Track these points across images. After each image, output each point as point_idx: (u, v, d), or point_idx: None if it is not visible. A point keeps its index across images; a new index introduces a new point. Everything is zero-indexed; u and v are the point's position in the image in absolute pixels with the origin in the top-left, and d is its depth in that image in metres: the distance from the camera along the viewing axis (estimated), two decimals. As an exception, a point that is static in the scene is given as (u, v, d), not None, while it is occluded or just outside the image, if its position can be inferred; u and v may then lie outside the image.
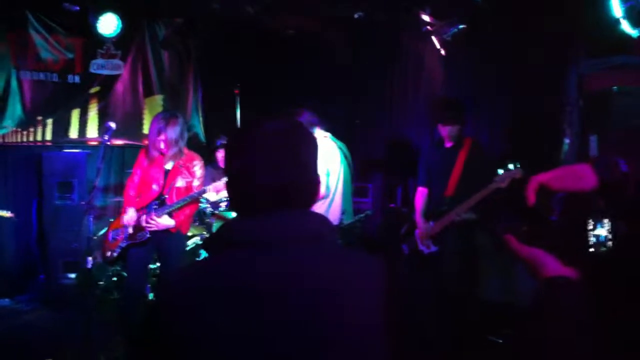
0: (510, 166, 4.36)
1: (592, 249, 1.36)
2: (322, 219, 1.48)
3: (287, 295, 1.31)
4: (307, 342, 1.29)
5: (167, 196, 4.56)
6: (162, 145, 4.49)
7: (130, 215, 4.58)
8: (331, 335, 1.31)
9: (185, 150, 4.66)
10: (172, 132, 4.47)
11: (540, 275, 1.31)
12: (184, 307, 1.31)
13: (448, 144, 4.89)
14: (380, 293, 1.37)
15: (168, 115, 4.54)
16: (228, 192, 1.50)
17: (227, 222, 1.47)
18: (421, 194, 5.08)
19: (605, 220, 1.38)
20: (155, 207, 4.54)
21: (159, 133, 4.45)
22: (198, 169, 4.67)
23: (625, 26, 4.30)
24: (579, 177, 1.44)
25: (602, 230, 1.37)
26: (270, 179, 1.39)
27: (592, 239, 1.37)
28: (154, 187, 4.59)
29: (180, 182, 4.59)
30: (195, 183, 4.64)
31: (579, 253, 1.35)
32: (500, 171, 4.38)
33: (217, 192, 4.62)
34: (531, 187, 1.46)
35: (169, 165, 4.62)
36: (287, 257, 1.35)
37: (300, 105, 4.66)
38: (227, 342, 1.28)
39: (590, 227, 1.39)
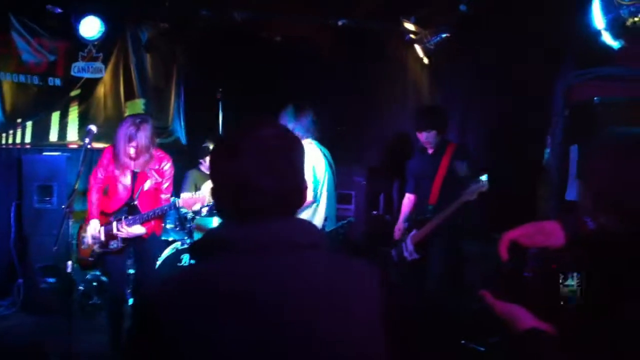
0: (482, 177, 4.42)
1: (562, 301, 1.41)
2: (313, 226, 1.49)
3: (282, 302, 1.30)
4: (303, 349, 1.29)
5: (137, 201, 4.49)
6: (132, 152, 4.34)
7: (94, 228, 4.49)
8: (327, 343, 1.30)
9: (154, 152, 4.54)
10: (144, 137, 4.32)
11: (514, 329, 1.33)
12: (173, 318, 1.29)
13: (430, 151, 4.95)
14: (377, 300, 1.37)
15: (138, 121, 4.36)
16: (216, 196, 1.48)
17: (218, 228, 1.46)
18: (407, 200, 5.15)
19: (575, 274, 1.44)
20: (125, 215, 4.46)
21: (129, 140, 4.29)
22: (167, 168, 4.58)
23: (607, 38, 4.35)
24: (548, 234, 1.48)
25: (572, 282, 1.44)
26: (268, 183, 1.38)
27: (564, 291, 1.42)
28: (121, 189, 4.50)
29: (148, 185, 4.51)
30: (165, 185, 4.57)
31: (551, 305, 1.40)
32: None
33: (187, 206, 4.54)
34: (503, 244, 1.48)
35: (137, 168, 4.51)
36: (282, 263, 1.35)
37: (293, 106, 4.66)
38: (219, 350, 1.27)
39: (561, 279, 1.44)
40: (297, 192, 1.46)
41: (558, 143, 4.43)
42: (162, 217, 4.71)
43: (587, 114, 3.93)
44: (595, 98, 3.92)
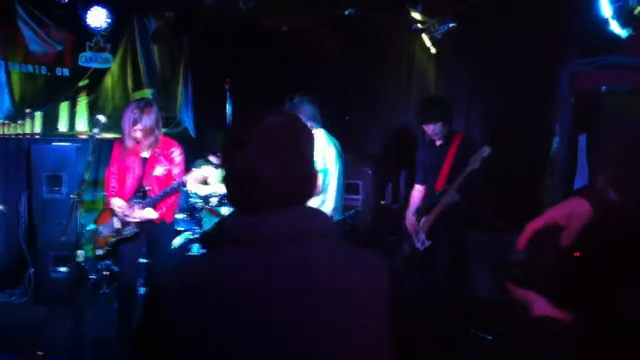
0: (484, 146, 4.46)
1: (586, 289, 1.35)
2: (323, 215, 1.49)
3: (293, 292, 1.31)
4: (312, 340, 1.30)
5: (148, 187, 4.55)
6: (138, 135, 4.43)
7: (118, 203, 4.57)
8: (336, 333, 1.31)
9: (162, 137, 4.61)
10: (148, 120, 4.41)
11: (529, 315, 1.31)
12: (185, 305, 1.30)
13: (438, 142, 4.94)
14: (384, 291, 1.37)
15: (142, 104, 4.46)
16: (227, 188, 1.47)
17: (228, 218, 1.47)
18: (417, 191, 5.14)
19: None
20: (137, 200, 4.53)
21: (134, 123, 4.39)
22: (177, 155, 4.64)
23: (615, 26, 4.34)
24: (574, 213, 1.35)
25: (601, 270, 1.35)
26: (275, 173, 1.38)
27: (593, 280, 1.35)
28: (130, 177, 4.57)
29: (159, 171, 4.56)
30: (175, 171, 4.62)
31: (570, 295, 1.35)
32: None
33: (196, 182, 4.59)
34: (525, 235, 1.38)
35: (145, 154, 4.58)
36: (293, 253, 1.35)
37: (301, 95, 4.68)
38: (230, 339, 1.28)
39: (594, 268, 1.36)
40: (306, 182, 1.45)
41: (565, 132, 4.43)
42: (174, 202, 4.74)
43: (595, 104, 3.92)
44: (602, 87, 3.91)
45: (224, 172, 1.48)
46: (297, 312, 1.30)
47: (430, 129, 4.87)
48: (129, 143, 4.51)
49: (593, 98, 3.94)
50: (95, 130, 4.46)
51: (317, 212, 1.49)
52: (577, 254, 1.33)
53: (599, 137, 3.67)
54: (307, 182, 1.46)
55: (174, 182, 4.54)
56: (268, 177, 1.37)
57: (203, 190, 5.75)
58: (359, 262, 1.43)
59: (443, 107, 4.94)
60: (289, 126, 1.44)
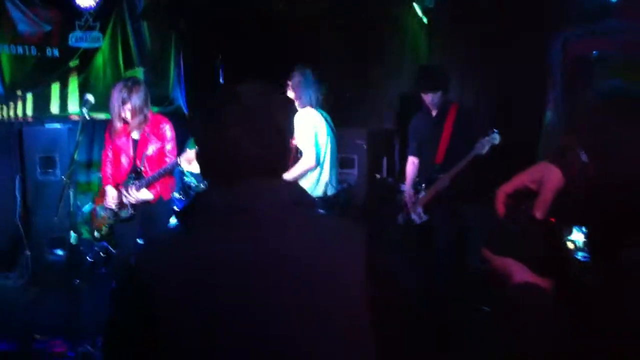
0: (493, 131, 4.40)
1: (565, 256, 1.32)
2: (298, 187, 1.50)
3: (267, 262, 1.31)
4: (292, 306, 1.30)
5: (142, 167, 4.52)
6: (127, 115, 4.38)
7: (111, 195, 4.56)
8: (317, 299, 1.31)
9: (151, 115, 4.55)
10: (137, 99, 4.35)
11: (508, 283, 1.30)
12: (158, 277, 1.30)
13: (433, 112, 4.89)
14: (362, 258, 1.38)
15: (130, 83, 4.39)
16: (201, 161, 1.48)
17: (202, 192, 1.47)
18: (412, 164, 5.10)
19: (579, 227, 1.33)
20: (132, 182, 4.50)
21: (123, 102, 4.33)
22: (167, 130, 4.58)
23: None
24: (545, 178, 1.31)
25: (579, 235, 1.33)
26: (247, 144, 1.38)
27: (570, 245, 1.33)
28: (123, 159, 4.55)
29: (151, 150, 4.53)
30: (168, 147, 4.58)
31: (550, 261, 1.33)
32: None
33: (189, 163, 4.56)
34: (499, 200, 1.36)
35: (136, 135, 4.55)
36: (270, 224, 1.35)
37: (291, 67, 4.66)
38: (208, 310, 1.28)
39: (564, 233, 1.33)
40: (279, 153, 1.47)
41: (558, 100, 4.41)
42: (169, 180, 4.72)
43: (585, 69, 3.89)
44: (593, 52, 3.88)
45: (198, 146, 1.48)
46: (276, 280, 1.30)
47: (429, 98, 4.81)
48: (118, 124, 4.45)
49: (584, 63, 3.91)
50: (84, 110, 4.42)
51: (291, 183, 1.51)
52: (552, 220, 1.31)
53: (588, 103, 3.65)
54: (281, 155, 1.47)
55: (168, 164, 4.51)
56: (243, 148, 1.38)
57: (197, 169, 5.72)
58: (337, 230, 1.44)
59: (443, 76, 4.88)
60: (264, 97, 1.45)
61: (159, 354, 1.28)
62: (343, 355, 1.34)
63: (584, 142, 1.25)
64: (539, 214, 1.29)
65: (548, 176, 1.30)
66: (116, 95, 4.35)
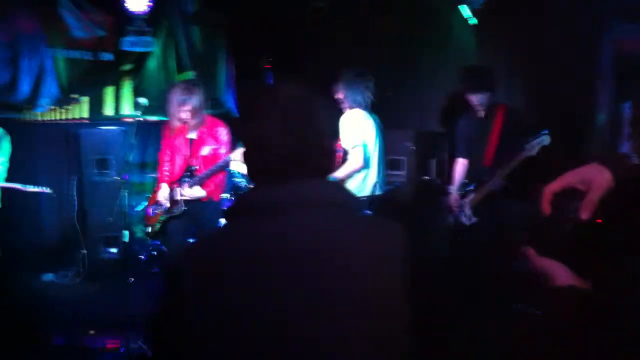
0: (543, 132, 4.35)
1: (613, 257, 1.29)
2: (338, 186, 1.51)
3: (304, 260, 1.33)
4: (328, 303, 1.31)
5: (196, 166, 4.63)
6: (185, 116, 4.51)
7: (163, 191, 4.67)
8: (352, 297, 1.32)
9: (208, 118, 4.69)
10: (196, 100, 4.49)
11: (550, 285, 1.28)
12: (202, 273, 1.34)
13: (481, 113, 4.85)
14: (399, 258, 1.39)
15: (189, 85, 4.57)
16: (244, 161, 1.51)
17: (245, 191, 1.50)
18: (461, 165, 5.07)
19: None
20: (186, 180, 4.62)
21: (182, 103, 4.47)
22: (224, 135, 4.71)
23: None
24: (593, 179, 1.29)
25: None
26: (285, 143, 1.40)
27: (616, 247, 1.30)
28: (178, 158, 4.66)
29: (206, 150, 4.65)
30: (222, 150, 4.69)
31: (592, 263, 1.30)
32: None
33: (240, 160, 4.65)
34: (545, 199, 1.34)
35: (192, 135, 4.66)
36: (308, 222, 1.37)
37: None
38: (246, 308, 1.30)
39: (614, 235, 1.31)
40: (320, 154, 1.47)
41: (609, 100, 4.32)
42: (221, 180, 4.81)
43: (638, 69, 3.81)
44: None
45: (242, 146, 1.51)
46: (313, 278, 1.32)
47: (475, 99, 4.78)
48: (176, 124, 4.60)
49: (638, 63, 3.83)
50: (138, 113, 4.55)
51: (332, 183, 1.52)
52: (599, 221, 1.30)
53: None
54: (322, 155, 1.48)
55: (220, 161, 4.61)
56: (281, 148, 1.40)
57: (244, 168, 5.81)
58: (374, 230, 1.45)
59: (490, 77, 4.84)
60: (299, 98, 1.47)
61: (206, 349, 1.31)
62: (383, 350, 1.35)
63: None
64: (585, 215, 1.28)
65: (597, 177, 1.29)
66: (175, 97, 4.50)
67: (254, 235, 1.37)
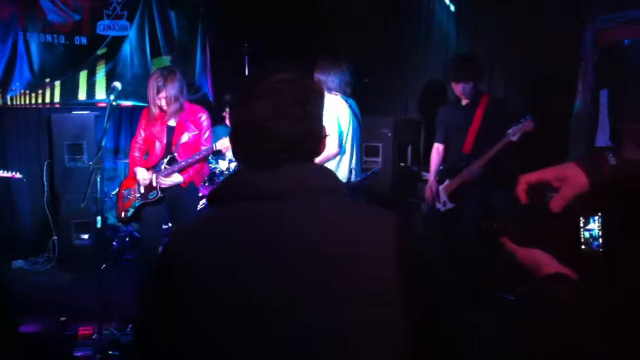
0: (526, 117, 4.35)
1: (584, 245, 1.30)
2: (330, 172, 1.47)
3: (293, 247, 1.31)
4: (322, 289, 1.29)
5: (176, 154, 4.58)
6: (162, 103, 4.47)
7: (142, 174, 4.61)
8: (340, 285, 1.30)
9: (187, 104, 4.64)
10: (172, 89, 4.44)
11: (537, 274, 1.28)
12: (189, 258, 1.32)
13: (464, 101, 4.84)
14: (392, 244, 1.36)
15: (166, 72, 4.49)
16: (233, 144, 1.48)
17: (233, 175, 1.46)
18: (437, 151, 5.06)
19: (596, 216, 1.30)
20: (164, 167, 4.56)
21: (158, 91, 4.43)
22: (204, 120, 4.67)
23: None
24: (569, 179, 1.31)
25: (594, 225, 1.30)
26: (282, 127, 1.38)
27: (585, 235, 1.30)
28: (157, 145, 4.61)
29: (186, 137, 4.59)
30: (205, 135, 4.66)
31: (573, 250, 1.30)
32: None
33: (224, 150, 4.61)
34: (521, 187, 1.35)
35: (172, 122, 4.61)
36: (295, 208, 1.35)
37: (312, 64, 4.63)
38: (231, 291, 1.28)
39: (582, 223, 1.32)
40: (312, 138, 1.45)
41: (588, 89, 4.33)
42: (202, 165, 4.76)
43: (617, 57, 3.82)
44: (625, 40, 3.81)
45: (231, 128, 1.49)
46: (307, 263, 1.30)
47: (460, 87, 4.76)
48: (154, 111, 4.56)
49: (615, 51, 3.84)
50: (111, 97, 4.46)
51: (323, 168, 1.49)
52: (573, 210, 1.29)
53: (621, 91, 3.58)
54: (314, 139, 1.46)
55: (202, 149, 4.56)
56: (274, 130, 1.38)
57: (228, 156, 5.78)
58: (366, 216, 1.42)
59: (476, 66, 4.83)
60: (295, 82, 1.43)
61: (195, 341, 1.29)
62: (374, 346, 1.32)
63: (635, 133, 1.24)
64: (554, 207, 1.29)
65: (573, 179, 1.29)
66: (152, 84, 4.46)
67: (248, 218, 1.34)
